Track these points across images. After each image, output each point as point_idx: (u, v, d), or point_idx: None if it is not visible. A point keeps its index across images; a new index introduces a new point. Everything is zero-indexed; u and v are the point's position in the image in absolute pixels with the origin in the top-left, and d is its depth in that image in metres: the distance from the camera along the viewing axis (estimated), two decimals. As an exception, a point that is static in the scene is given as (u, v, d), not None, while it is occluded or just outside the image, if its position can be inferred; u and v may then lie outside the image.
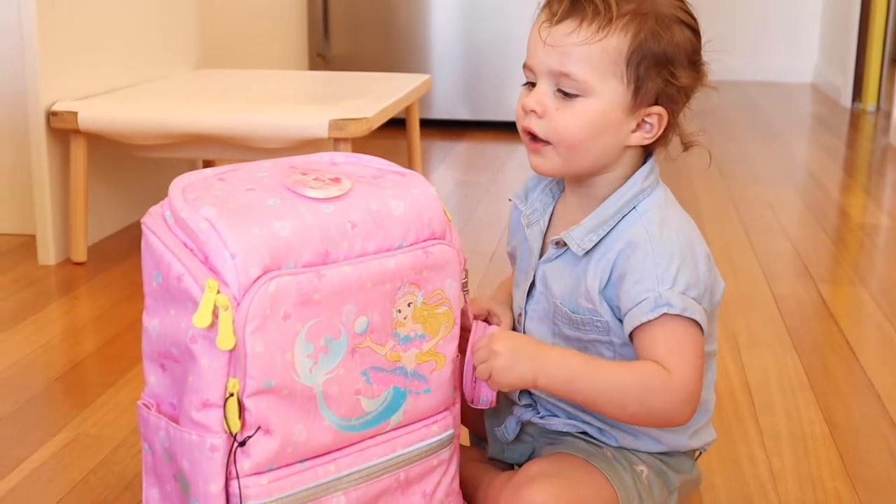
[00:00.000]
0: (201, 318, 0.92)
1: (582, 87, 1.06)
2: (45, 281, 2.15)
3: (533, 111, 1.08)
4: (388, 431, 1.06)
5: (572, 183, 1.15)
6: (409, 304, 1.04)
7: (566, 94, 1.07)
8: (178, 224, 0.98)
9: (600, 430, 1.15)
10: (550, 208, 1.17)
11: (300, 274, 0.96)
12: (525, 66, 1.10)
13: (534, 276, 1.16)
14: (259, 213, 0.97)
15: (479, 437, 1.31)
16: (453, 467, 1.14)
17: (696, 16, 1.11)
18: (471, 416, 1.27)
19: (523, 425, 1.20)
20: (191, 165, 2.79)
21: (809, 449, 1.45)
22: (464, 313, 1.16)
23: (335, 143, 2.15)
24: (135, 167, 2.56)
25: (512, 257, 1.23)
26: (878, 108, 4.75)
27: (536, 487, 1.07)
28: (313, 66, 4.13)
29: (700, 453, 1.22)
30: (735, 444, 1.45)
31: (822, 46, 5.75)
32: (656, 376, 1.04)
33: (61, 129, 2.21)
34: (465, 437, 1.35)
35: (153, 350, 1.02)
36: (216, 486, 0.96)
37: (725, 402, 1.59)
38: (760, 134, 4.15)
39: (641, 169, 1.12)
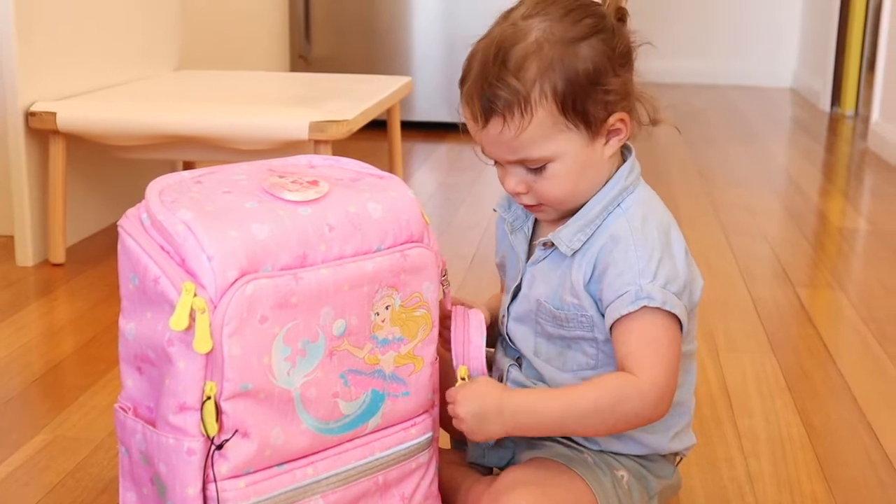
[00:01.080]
0: (178, 321, 0.92)
1: (543, 161, 1.08)
2: (23, 282, 2.14)
3: (518, 192, 1.11)
4: (366, 434, 1.06)
5: None
6: (387, 307, 1.04)
7: (534, 169, 1.09)
8: (154, 227, 0.98)
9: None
10: (533, 216, 1.18)
11: (277, 277, 0.96)
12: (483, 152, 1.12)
13: (520, 279, 1.16)
14: (236, 215, 0.97)
15: (459, 442, 1.31)
16: (432, 470, 1.14)
17: (592, 7, 1.08)
18: (450, 420, 1.27)
19: None
20: (171, 167, 2.78)
21: (787, 451, 1.45)
22: (443, 304, 1.16)
23: (315, 145, 2.15)
24: (114, 168, 2.55)
25: (501, 267, 1.23)
26: (856, 112, 4.78)
27: (516, 495, 1.07)
28: (294, 67, 4.12)
29: (681, 459, 1.23)
30: (713, 447, 1.46)
31: (801, 51, 5.78)
32: (625, 385, 1.05)
33: (40, 130, 2.19)
34: (444, 440, 1.34)
35: (130, 353, 1.02)
36: (193, 490, 0.96)
37: (704, 404, 1.59)
38: (740, 137, 4.17)
39: (623, 167, 1.13)
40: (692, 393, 1.20)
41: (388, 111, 2.81)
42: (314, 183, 1.04)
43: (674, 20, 5.72)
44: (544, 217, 1.15)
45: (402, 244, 1.06)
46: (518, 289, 1.17)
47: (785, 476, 1.39)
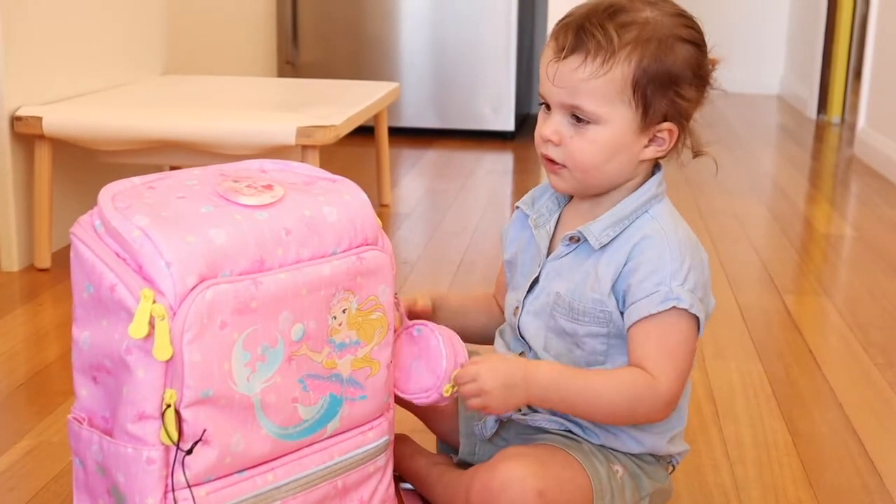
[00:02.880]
0: (137, 329, 0.91)
1: (593, 117, 1.10)
2: (8, 287, 2.13)
3: (550, 140, 1.12)
4: (325, 439, 1.06)
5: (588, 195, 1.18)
6: (343, 311, 1.04)
7: (579, 120, 1.11)
8: (109, 233, 0.96)
9: (582, 427, 1.17)
10: (557, 214, 1.21)
11: (237, 282, 0.95)
12: (539, 93, 1.15)
13: (539, 273, 1.18)
14: (193, 220, 0.96)
15: (444, 444, 1.32)
16: (389, 474, 1.15)
17: (698, 26, 1.14)
18: (441, 421, 1.28)
19: (501, 423, 1.22)
20: (157, 171, 2.77)
21: (773, 457, 1.46)
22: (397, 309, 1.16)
23: (303, 150, 2.15)
24: (100, 173, 2.54)
25: (511, 264, 1.24)
26: (842, 119, 4.80)
27: (514, 464, 1.08)
28: (282, 73, 4.12)
29: (674, 468, 1.24)
30: (699, 453, 1.46)
31: (788, 59, 5.80)
32: (643, 385, 1.08)
33: (26, 135, 2.19)
34: (431, 444, 1.35)
35: (84, 363, 1.00)
36: (153, 500, 0.95)
37: (690, 410, 1.58)
38: (727, 145, 4.18)
39: (655, 177, 1.17)
40: (688, 401, 1.21)
41: (376, 117, 2.81)
42: (269, 187, 1.03)
43: (661, 27, 5.73)
44: (558, 183, 1.16)
45: (357, 247, 1.06)
46: (535, 282, 1.18)
47: (770, 482, 1.39)
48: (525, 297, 1.19)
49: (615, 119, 1.10)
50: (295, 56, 4.10)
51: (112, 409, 0.98)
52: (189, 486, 0.95)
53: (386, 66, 4.06)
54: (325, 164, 1.86)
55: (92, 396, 1.01)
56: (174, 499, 0.95)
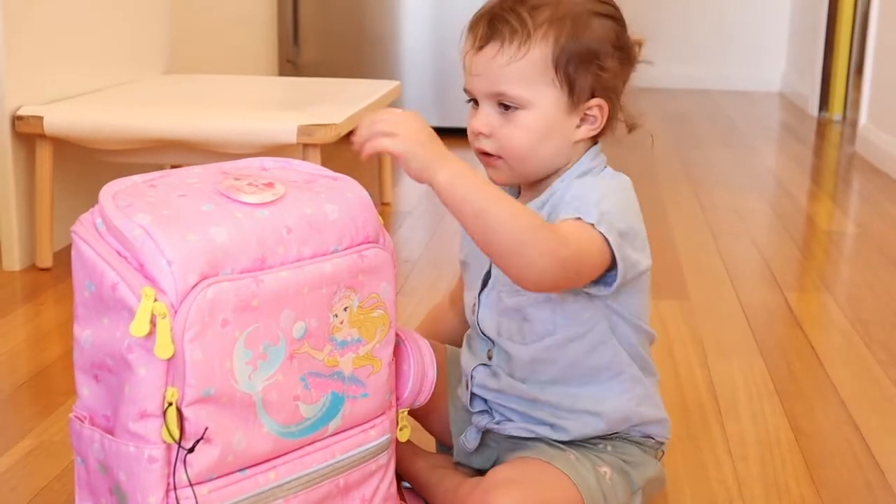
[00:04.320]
0: (139, 327, 0.91)
1: (519, 102, 1.10)
2: (9, 287, 2.13)
3: (481, 133, 1.12)
4: (326, 437, 1.06)
5: (529, 185, 1.18)
6: (345, 309, 1.04)
7: (507, 108, 1.11)
8: (110, 232, 0.96)
9: (552, 426, 1.17)
10: None
11: (238, 280, 0.95)
12: (465, 89, 1.15)
13: (489, 265, 1.18)
14: (194, 219, 0.96)
15: (442, 445, 1.32)
16: (391, 472, 1.15)
17: (612, 1, 1.15)
18: (436, 425, 1.28)
19: (484, 433, 1.21)
20: (158, 170, 2.77)
21: (775, 454, 1.46)
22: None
23: (304, 148, 2.15)
24: (101, 172, 2.53)
25: (465, 265, 1.25)
26: (844, 116, 4.80)
27: (503, 492, 1.08)
28: (283, 72, 4.12)
29: (663, 453, 1.24)
30: (701, 450, 1.46)
31: (789, 56, 5.80)
32: (547, 225, 1.04)
33: (27, 134, 2.19)
34: (430, 444, 1.35)
35: (86, 361, 1.00)
36: (155, 499, 0.94)
37: (692, 407, 1.59)
38: (728, 142, 4.18)
39: (589, 151, 1.16)
40: (641, 371, 1.19)
41: (377, 115, 2.80)
42: (270, 185, 1.03)
43: (662, 25, 5.73)
44: (496, 176, 1.15)
45: (358, 245, 1.06)
46: (488, 276, 1.19)
47: (773, 479, 1.39)
48: (480, 293, 1.19)
49: (542, 101, 1.10)
50: (296, 55, 4.10)
51: (114, 408, 0.98)
52: (191, 485, 0.95)
53: (387, 65, 4.06)
54: (326, 163, 1.86)
55: (93, 395, 1.01)
56: (176, 497, 0.95)
